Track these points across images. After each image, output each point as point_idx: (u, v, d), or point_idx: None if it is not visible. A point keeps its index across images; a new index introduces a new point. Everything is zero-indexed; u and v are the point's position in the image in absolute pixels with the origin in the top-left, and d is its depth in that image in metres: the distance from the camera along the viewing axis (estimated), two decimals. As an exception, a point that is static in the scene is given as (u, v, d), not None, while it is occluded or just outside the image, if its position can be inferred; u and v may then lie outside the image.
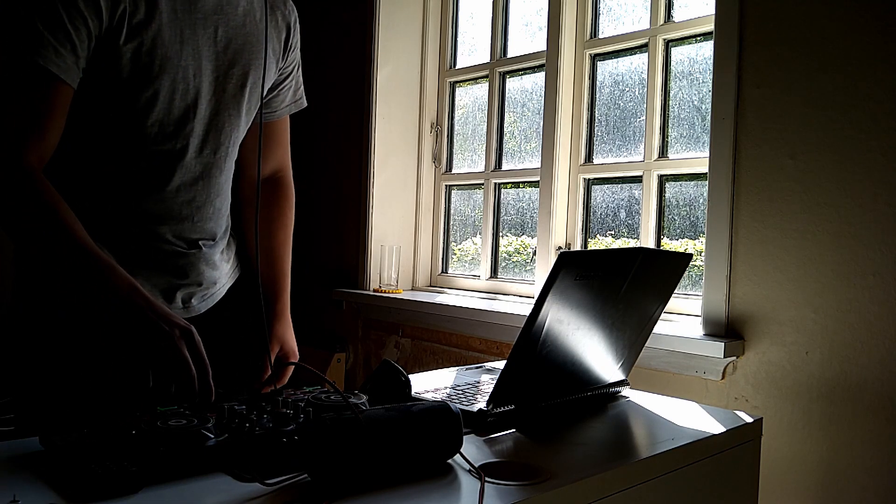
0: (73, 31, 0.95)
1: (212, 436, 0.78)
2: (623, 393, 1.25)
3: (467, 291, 2.57)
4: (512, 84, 2.54)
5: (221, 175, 1.18)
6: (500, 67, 2.54)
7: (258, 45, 1.15)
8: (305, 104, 1.35)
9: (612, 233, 2.18)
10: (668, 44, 2.04)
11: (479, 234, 2.57)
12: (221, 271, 1.25)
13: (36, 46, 0.93)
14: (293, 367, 1.28)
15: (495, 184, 2.53)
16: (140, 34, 1.00)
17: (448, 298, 2.46)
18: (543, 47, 2.29)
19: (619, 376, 1.22)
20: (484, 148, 2.58)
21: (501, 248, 2.52)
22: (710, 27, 1.82)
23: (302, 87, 1.33)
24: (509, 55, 2.54)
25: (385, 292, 2.58)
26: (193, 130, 1.10)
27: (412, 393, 1.06)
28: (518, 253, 2.47)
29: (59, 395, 1.08)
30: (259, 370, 1.21)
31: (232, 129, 1.16)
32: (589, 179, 2.24)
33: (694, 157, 1.96)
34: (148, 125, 1.06)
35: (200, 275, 1.19)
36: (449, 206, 2.75)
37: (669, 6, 2.05)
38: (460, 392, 1.14)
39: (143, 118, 1.05)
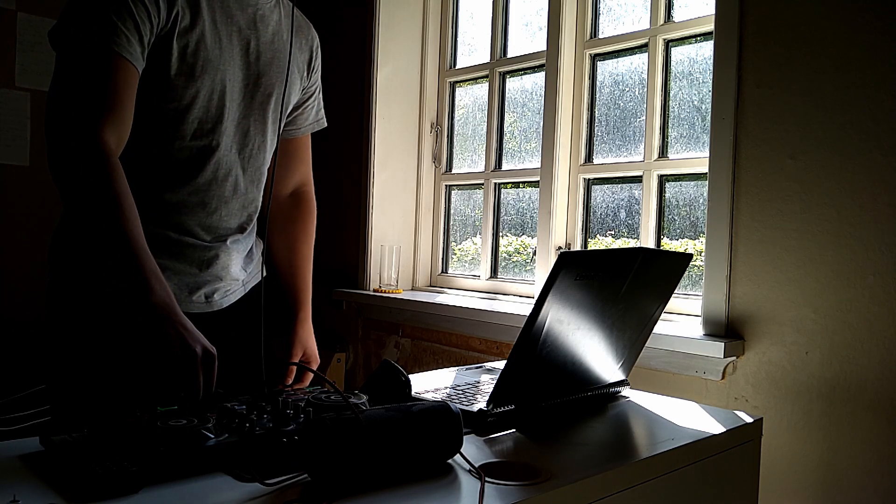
0: (140, 23, 1.03)
1: (212, 436, 0.78)
2: (623, 393, 1.25)
3: (467, 291, 2.57)
4: (512, 84, 2.54)
5: (247, 174, 1.25)
6: (500, 67, 2.54)
7: (285, 61, 1.25)
8: (326, 124, 1.44)
9: (612, 233, 2.18)
10: (668, 44, 2.04)
11: (479, 234, 2.57)
12: (245, 269, 1.31)
13: (109, 34, 1.01)
14: (313, 369, 1.38)
15: (495, 184, 2.53)
16: (186, 36, 1.09)
17: (448, 298, 2.46)
18: (543, 47, 2.29)
19: (619, 376, 1.22)
20: (484, 148, 2.58)
21: (501, 248, 2.52)
22: (710, 27, 1.82)
23: (323, 108, 1.43)
24: (509, 55, 2.54)
25: (385, 292, 2.58)
26: (226, 130, 1.18)
27: (412, 393, 1.06)
28: (518, 253, 2.47)
29: (86, 388, 1.12)
30: (282, 373, 1.30)
31: (257, 133, 1.24)
32: (589, 179, 2.24)
33: (694, 157, 1.96)
34: (189, 120, 1.14)
35: (224, 269, 1.25)
36: (449, 206, 2.75)
37: (669, 6, 2.05)
38: (460, 392, 1.14)
39: (185, 114, 1.13)
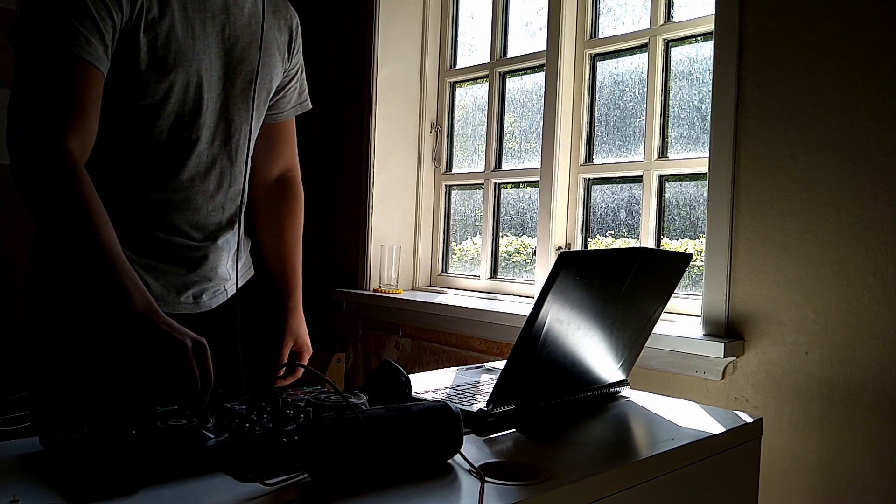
0: (100, 21, 0.99)
1: (212, 436, 0.78)
2: (623, 393, 1.25)
3: (467, 291, 2.57)
4: (512, 84, 2.54)
5: (233, 167, 1.22)
6: (500, 67, 2.54)
7: (264, 44, 1.20)
8: (310, 106, 1.41)
9: (612, 233, 2.18)
10: (668, 44, 2.04)
11: (479, 234, 2.57)
12: (233, 269, 1.28)
13: (68, 36, 0.97)
14: (305, 360, 1.35)
15: (495, 184, 2.53)
16: (155, 28, 1.05)
17: (448, 298, 2.46)
18: (543, 47, 2.29)
19: (619, 376, 1.22)
20: (484, 148, 2.58)
21: (501, 248, 2.52)
22: (710, 27, 1.82)
23: (306, 89, 1.39)
24: (509, 55, 2.54)
25: (385, 292, 2.58)
26: (206, 122, 1.15)
27: (412, 393, 1.06)
28: (518, 253, 2.47)
29: (71, 394, 1.10)
30: (274, 366, 1.27)
31: (242, 122, 1.20)
32: (589, 179, 2.24)
33: (694, 157, 1.96)
34: (165, 116, 1.10)
35: (212, 269, 1.22)
36: (449, 206, 2.75)
37: (669, 6, 2.05)
38: (460, 392, 1.14)
39: (160, 109, 1.10)
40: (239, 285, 1.29)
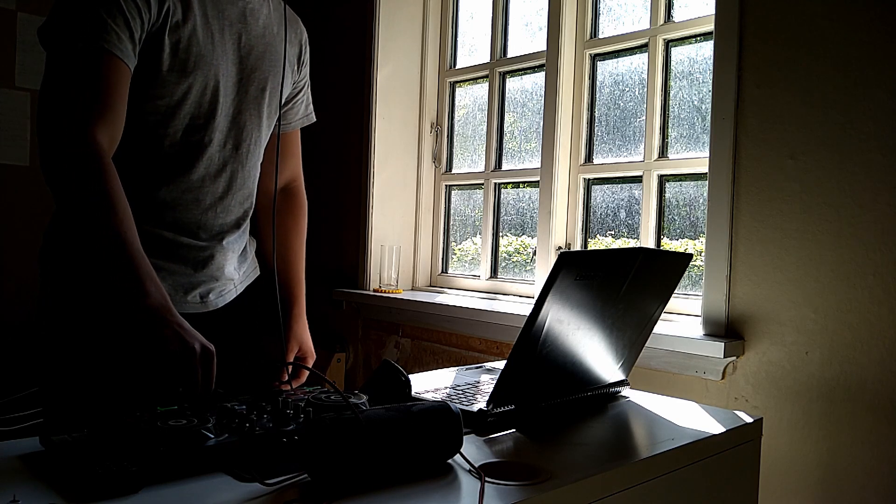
0: (130, 19, 1.02)
1: (212, 436, 0.78)
2: (623, 393, 1.25)
3: (467, 291, 2.57)
4: (512, 84, 2.54)
5: (243, 170, 1.24)
6: (500, 67, 2.54)
7: (276, 54, 1.24)
8: (315, 119, 1.45)
9: (612, 233, 2.18)
10: (668, 44, 2.04)
11: (479, 234, 2.57)
12: (239, 268, 1.31)
13: (100, 32, 0.99)
14: (310, 365, 1.36)
15: (495, 184, 2.53)
16: (178, 31, 1.08)
17: (448, 298, 2.46)
18: (543, 47, 2.29)
19: (619, 376, 1.22)
20: (484, 148, 2.58)
21: (501, 248, 2.52)
22: (710, 27, 1.82)
23: (311, 103, 1.44)
24: (509, 55, 2.54)
25: (385, 292, 2.58)
26: (219, 125, 1.18)
27: (412, 393, 1.06)
28: (518, 253, 2.47)
29: (78, 392, 1.11)
30: (278, 370, 1.28)
31: (252, 128, 1.23)
32: (589, 179, 2.24)
33: (694, 157, 1.96)
34: (181, 116, 1.13)
35: (219, 269, 1.24)
36: (449, 206, 2.75)
37: (669, 6, 2.05)
38: (460, 392, 1.14)
39: (177, 110, 1.12)
40: (245, 285, 1.30)
